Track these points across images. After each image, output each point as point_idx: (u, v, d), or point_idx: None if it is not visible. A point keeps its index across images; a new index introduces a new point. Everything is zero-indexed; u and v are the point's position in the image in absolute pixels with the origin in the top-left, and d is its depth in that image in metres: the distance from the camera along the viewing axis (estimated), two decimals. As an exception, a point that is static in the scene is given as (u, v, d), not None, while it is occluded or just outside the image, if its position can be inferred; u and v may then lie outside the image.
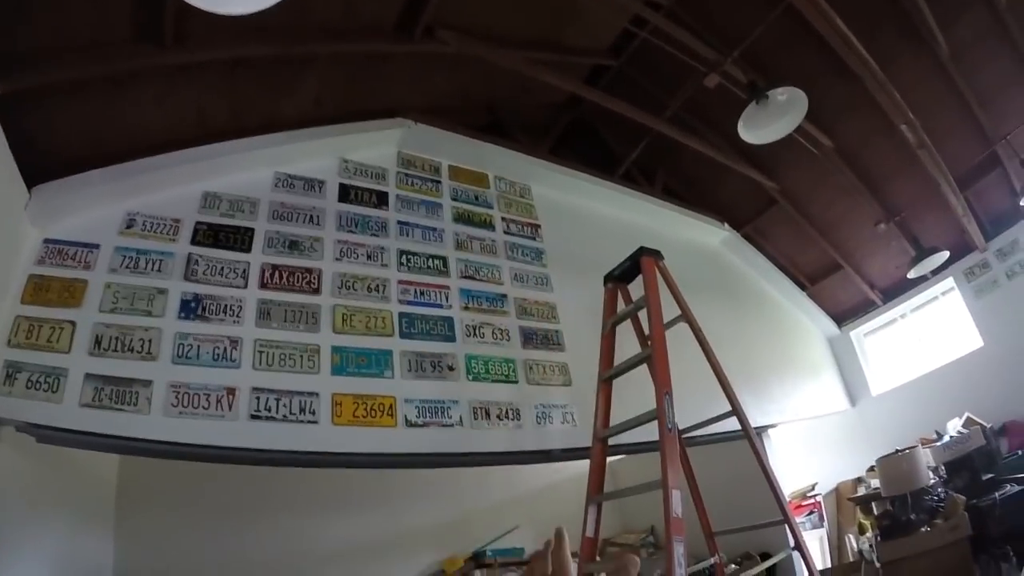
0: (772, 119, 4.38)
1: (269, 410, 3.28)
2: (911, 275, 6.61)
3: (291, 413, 3.32)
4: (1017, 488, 4.47)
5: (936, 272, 6.91)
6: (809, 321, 7.90)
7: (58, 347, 3.03)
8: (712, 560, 3.99)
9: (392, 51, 4.42)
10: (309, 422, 3.34)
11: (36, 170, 3.28)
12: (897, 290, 7.54)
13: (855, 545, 6.50)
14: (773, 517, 3.65)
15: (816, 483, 7.19)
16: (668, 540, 2.54)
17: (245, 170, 4.01)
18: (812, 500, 7.02)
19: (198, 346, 3.30)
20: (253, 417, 3.24)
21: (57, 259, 3.30)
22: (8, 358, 2.92)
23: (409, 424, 3.54)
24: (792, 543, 3.62)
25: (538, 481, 7.14)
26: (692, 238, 6.57)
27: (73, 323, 3.13)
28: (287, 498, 5.74)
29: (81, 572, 4.20)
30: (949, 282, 7.12)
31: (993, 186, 6.43)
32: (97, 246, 3.42)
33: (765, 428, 5.79)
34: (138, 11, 3.22)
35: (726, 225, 6.92)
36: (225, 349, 3.35)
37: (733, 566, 4.27)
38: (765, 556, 5.08)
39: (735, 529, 4.14)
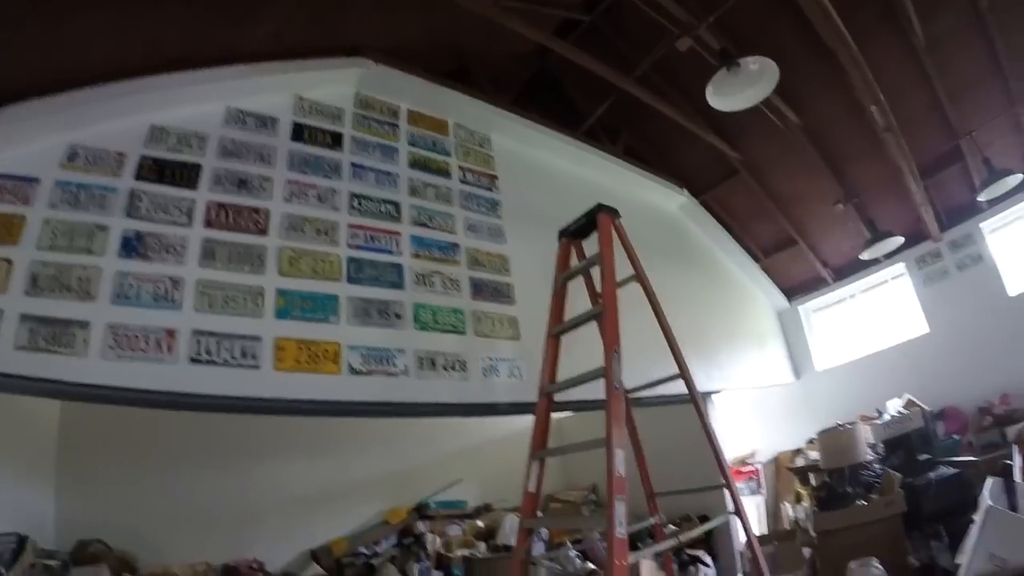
0: (742, 88, 4.33)
1: (210, 354, 3.18)
2: (864, 257, 6.74)
3: (232, 357, 3.22)
4: (951, 471, 4.62)
5: (889, 256, 7.11)
6: (760, 293, 8.03)
7: None
8: (652, 520, 4.05)
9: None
10: (251, 367, 3.25)
11: None
12: (849, 270, 7.70)
13: (791, 513, 6.71)
14: (714, 481, 3.70)
15: (756, 451, 7.39)
16: (609, 498, 2.53)
17: (196, 103, 3.83)
18: (751, 467, 7.20)
19: (138, 286, 3.19)
20: (193, 361, 3.15)
21: None
22: None
23: (353, 372, 3.47)
24: (732, 508, 3.66)
25: (483, 435, 7.19)
26: (651, 201, 6.57)
27: (9, 261, 2.98)
28: (232, 446, 5.68)
29: (20, 523, 4.08)
30: (900, 267, 7.31)
31: (953, 179, 6.56)
32: (37, 180, 3.25)
33: (710, 394, 5.88)
34: None
35: (686, 191, 6.92)
36: (166, 290, 3.24)
37: (672, 527, 4.34)
38: (704, 519, 5.19)
39: (676, 491, 4.18)
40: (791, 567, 4.82)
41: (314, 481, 6.02)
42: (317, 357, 3.41)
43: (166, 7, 3.58)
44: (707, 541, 5.78)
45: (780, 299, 8.21)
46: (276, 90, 4.16)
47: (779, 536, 5.99)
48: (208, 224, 3.50)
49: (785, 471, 7.17)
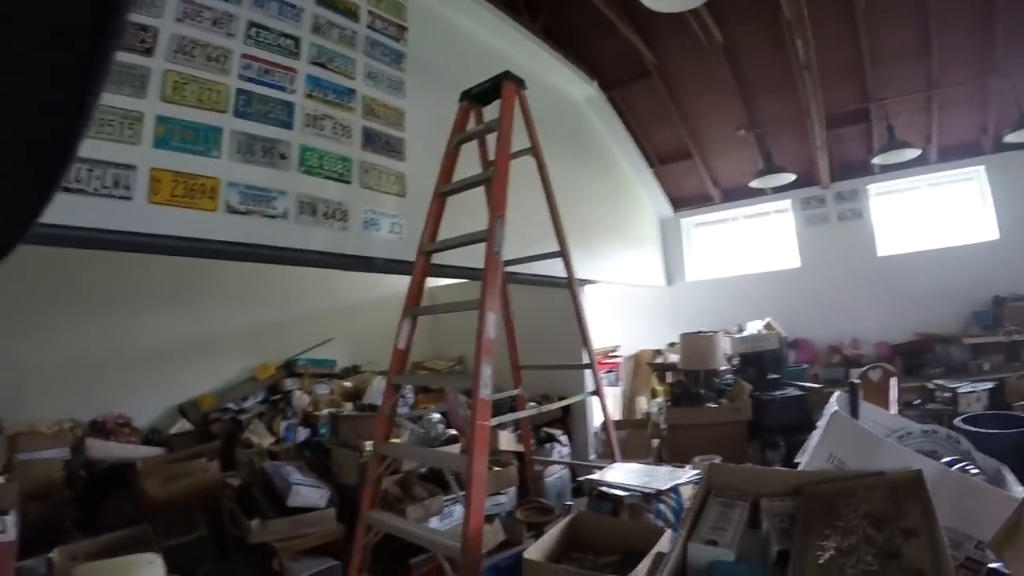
0: None
1: (79, 182, 2.95)
2: (753, 185, 7.07)
3: (104, 187, 3.00)
4: (795, 392, 5.17)
5: (777, 191, 7.55)
6: (647, 197, 8.32)
7: None
8: (516, 392, 4.28)
9: None
10: (123, 198, 3.04)
11: None
12: (736, 194, 8.10)
13: (645, 407, 7.26)
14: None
15: (620, 346, 7.84)
16: (477, 359, 2.63)
17: None
18: (613, 360, 7.66)
19: None
20: (62, 189, 2.91)
21: None
22: None
23: (231, 210, 3.33)
24: (592, 388, 3.95)
25: (357, 296, 7.23)
26: (559, 86, 6.55)
27: None
28: (98, 296, 5.37)
29: None
30: (786, 203, 7.83)
31: (854, 137, 6.98)
32: None
33: (585, 282, 6.13)
34: None
35: (595, 83, 6.93)
36: None
37: (532, 403, 4.60)
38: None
39: (542, 366, 4.44)
40: (639, 454, 5.23)
41: (183, 335, 5.85)
42: (194, 192, 3.24)
43: None
44: (564, 421, 6.17)
45: (666, 207, 8.55)
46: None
47: (633, 424, 6.49)
48: None
49: (644, 367, 7.70)
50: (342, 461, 4.19)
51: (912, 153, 6.02)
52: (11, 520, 3.16)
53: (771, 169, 6.72)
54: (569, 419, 6.23)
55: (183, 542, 3.68)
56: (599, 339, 7.29)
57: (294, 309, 6.70)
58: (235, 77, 3.48)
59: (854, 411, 2.17)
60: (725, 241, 8.51)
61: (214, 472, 4.43)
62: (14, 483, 3.65)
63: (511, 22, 5.48)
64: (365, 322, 7.04)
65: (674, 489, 2.52)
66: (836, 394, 2.27)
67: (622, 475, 2.72)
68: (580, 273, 5.51)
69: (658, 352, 7.68)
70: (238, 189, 3.36)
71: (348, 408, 5.82)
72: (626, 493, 2.50)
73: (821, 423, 1.99)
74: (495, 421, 2.77)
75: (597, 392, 3.90)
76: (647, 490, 2.48)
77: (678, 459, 3.89)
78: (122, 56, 3.20)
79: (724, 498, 1.77)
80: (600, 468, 2.97)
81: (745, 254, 8.22)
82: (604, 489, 2.58)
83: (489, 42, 5.42)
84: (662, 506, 2.46)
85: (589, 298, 6.23)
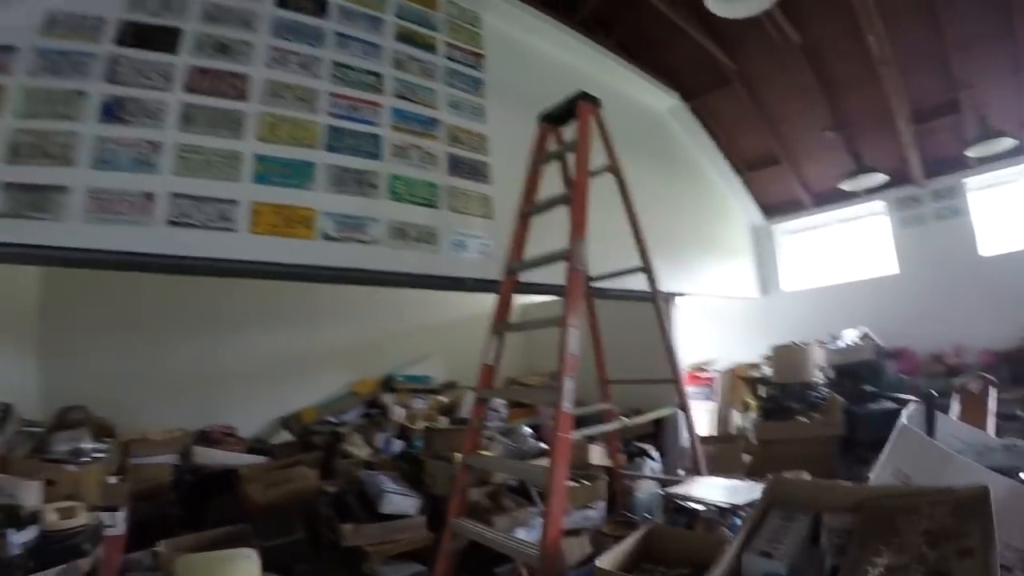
0: None
1: (187, 216, 3.27)
2: (845, 187, 6.79)
3: (210, 220, 3.31)
4: (891, 405, 4.84)
5: (870, 192, 7.17)
6: (738, 206, 8.13)
7: None
8: (604, 406, 4.28)
9: None
10: (227, 230, 3.35)
11: None
12: (828, 198, 7.77)
13: (738, 421, 7.06)
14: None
15: (714, 360, 7.66)
16: (561, 374, 2.68)
17: None
18: (708, 374, 7.49)
19: (118, 150, 3.22)
20: (171, 223, 3.23)
21: None
22: None
23: (327, 237, 3.58)
24: (678, 402, 3.91)
25: (452, 314, 7.42)
26: (639, 100, 6.55)
27: None
28: (206, 316, 5.86)
29: (4, 393, 4.17)
30: (880, 205, 7.42)
31: (946, 129, 6.53)
32: (14, 48, 3.22)
33: (674, 295, 6.05)
34: None
35: (676, 94, 6.89)
36: (146, 153, 3.28)
37: (623, 418, 4.58)
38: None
39: (627, 380, 4.41)
40: (729, 469, 5.10)
41: (286, 351, 6.24)
42: (292, 222, 3.51)
43: None
44: (656, 436, 6.08)
45: (756, 215, 8.32)
46: (262, -46, 4.04)
47: (723, 439, 6.32)
48: (188, 89, 3.49)
49: (737, 381, 7.48)
50: (434, 472, 4.34)
51: (1008, 143, 5.65)
52: (121, 516, 3.62)
53: (861, 170, 6.45)
54: (661, 434, 6.14)
55: (280, 543, 3.89)
56: (692, 353, 7.19)
57: (392, 327, 6.98)
58: (324, 115, 3.77)
59: (930, 424, 2.08)
60: (820, 248, 8.19)
61: (312, 479, 4.71)
62: (125, 484, 4.07)
63: (586, 40, 5.56)
64: (461, 338, 7.16)
65: (751, 504, 2.48)
66: (911, 407, 2.18)
67: (702, 489, 2.70)
68: (670, 286, 5.49)
69: (754, 365, 7.46)
70: (333, 218, 3.61)
71: (443, 422, 5.98)
72: (702, 507, 2.48)
73: (891, 436, 1.92)
74: (576, 434, 2.81)
75: (682, 406, 3.86)
76: (722, 504, 2.45)
77: (766, 473, 3.79)
78: (220, 102, 3.53)
79: (785, 511, 1.74)
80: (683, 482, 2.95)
81: (841, 261, 7.88)
82: (681, 503, 2.57)
83: (566, 61, 5.52)
84: (738, 520, 2.42)
85: (680, 311, 6.15)
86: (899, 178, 7.01)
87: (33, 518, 3.05)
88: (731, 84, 6.83)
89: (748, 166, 7.85)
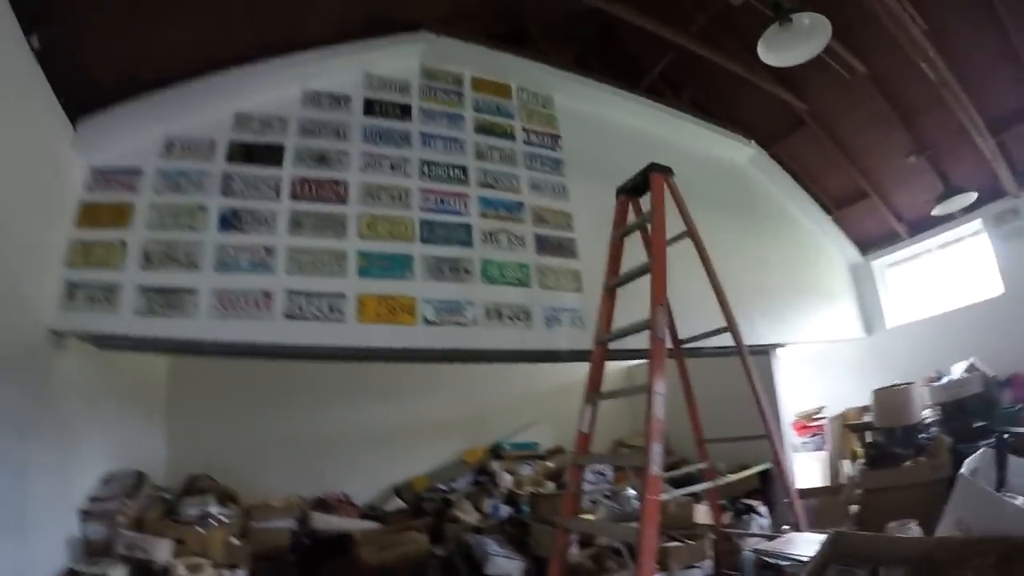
0: (794, 43, 4.30)
1: (301, 310, 3.66)
2: (936, 212, 6.49)
3: (321, 312, 3.69)
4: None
5: (965, 212, 6.76)
6: (832, 246, 7.89)
7: (112, 264, 3.49)
8: (702, 465, 4.25)
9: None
10: (336, 320, 3.71)
11: (78, 105, 3.61)
12: (924, 225, 7.37)
13: (848, 470, 6.71)
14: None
15: (824, 407, 7.37)
16: (648, 439, 2.75)
17: (274, 89, 4.26)
18: (817, 422, 7.19)
19: (237, 255, 3.69)
20: (288, 317, 3.63)
21: (104, 185, 3.71)
22: (68, 278, 3.40)
23: (427, 322, 3.89)
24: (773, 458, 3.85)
25: (557, 380, 7.48)
26: (717, 154, 6.58)
27: (124, 242, 3.56)
28: (323, 391, 6.29)
29: (137, 459, 4.67)
30: (977, 224, 6.94)
31: None
32: (140, 170, 3.79)
33: (774, 346, 5.95)
34: None
35: (753, 143, 6.89)
36: (261, 257, 3.72)
37: (732, 476, 4.52)
38: (763, 472, 5.29)
39: (723, 439, 4.33)
40: (833, 522, 4.88)
41: (398, 422, 6.57)
42: (395, 310, 3.84)
43: (232, 5, 3.97)
44: (764, 491, 5.89)
45: (853, 253, 8.05)
46: (346, 69, 4.53)
47: (827, 491, 6.01)
48: (294, 197, 3.95)
49: (846, 429, 7.15)
50: (539, 535, 4.48)
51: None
52: (242, 575, 3.96)
53: (951, 191, 6.16)
54: (769, 489, 5.95)
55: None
56: (800, 402, 6.96)
57: (499, 396, 7.21)
58: (417, 210, 4.15)
59: (1001, 467, 2.01)
60: (922, 278, 7.80)
61: (423, 543, 4.88)
62: (247, 546, 4.38)
63: (656, 104, 5.74)
64: (566, 404, 7.09)
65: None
66: (979, 453, 2.12)
67: (795, 545, 2.67)
68: (768, 338, 5.43)
69: (865, 409, 7.12)
70: (432, 304, 3.92)
71: (550, 487, 6.06)
72: (787, 562, 2.47)
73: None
74: (674, 494, 2.84)
75: (776, 461, 3.80)
76: (804, 559, 2.43)
77: (873, 526, 3.65)
78: (323, 207, 3.95)
79: (844, 566, 1.73)
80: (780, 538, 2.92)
81: (945, 288, 7.46)
82: (767, 559, 2.56)
83: (640, 127, 5.69)
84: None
85: (782, 360, 6.03)
86: (992, 192, 6.59)
87: (164, 573, 3.46)
88: (806, 125, 6.78)
89: (837, 204, 7.68)
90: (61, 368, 3.53)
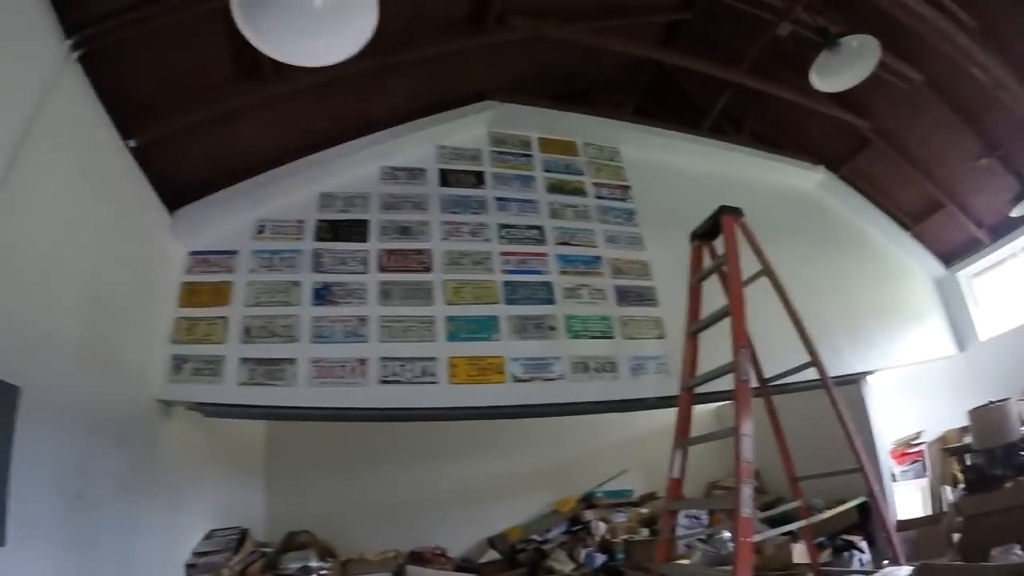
0: (845, 66, 4.34)
1: (395, 375, 3.88)
2: (1015, 213, 6.27)
3: (415, 376, 3.90)
4: None
5: None
6: (913, 262, 7.63)
7: (215, 339, 3.83)
8: (795, 504, 4.17)
9: (469, 46, 4.71)
10: (430, 383, 3.91)
11: (175, 198, 4.01)
12: (1005, 228, 7.05)
13: (949, 497, 6.39)
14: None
15: (922, 431, 7.05)
16: (737, 482, 2.80)
17: (354, 169, 4.59)
18: (916, 448, 6.90)
19: (331, 326, 3.96)
20: (383, 382, 3.85)
21: (203, 267, 4.08)
22: (174, 352, 3.75)
23: (516, 380, 4.04)
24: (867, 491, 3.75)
25: (648, 426, 7.39)
26: (786, 183, 6.54)
27: (225, 318, 3.90)
28: (411, 448, 6.46)
29: (239, 515, 5.03)
30: None
31: None
32: (235, 252, 4.15)
33: (864, 375, 5.80)
34: (240, 55, 3.66)
35: (821, 168, 6.81)
36: (355, 327, 3.98)
37: (825, 512, 4.41)
38: (862, 506, 5.06)
39: (814, 475, 4.21)
40: (934, 553, 4.68)
41: (490, 475, 6.69)
42: (485, 370, 4.01)
43: (307, 99, 4.27)
44: (864, 526, 5.68)
45: (936, 266, 7.75)
46: (419, 144, 4.84)
47: (925, 521, 5.73)
48: (382, 269, 4.22)
49: (944, 453, 6.82)
50: (631, 583, 4.44)
51: None
52: None
53: None
54: (868, 523, 5.72)
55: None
56: (897, 428, 6.70)
57: (590, 445, 7.21)
58: (499, 272, 4.36)
59: None
60: (1011, 283, 7.46)
61: None
62: None
63: (719, 143, 5.82)
64: (657, 449, 7.01)
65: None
66: None
67: None
68: (856, 367, 5.32)
69: (965, 430, 6.80)
70: (520, 362, 4.08)
71: (644, 534, 6.02)
72: None
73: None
74: (759, 536, 2.84)
75: (870, 494, 3.71)
76: None
77: (977, 554, 3.50)
78: (410, 277, 4.20)
79: None
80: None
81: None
82: None
83: (706, 168, 5.74)
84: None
85: (873, 388, 5.86)
86: (1071, 183, 6.36)
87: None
88: (871, 142, 6.65)
89: (913, 218, 7.45)
90: (168, 434, 3.89)
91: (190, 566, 4.09)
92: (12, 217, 2.33)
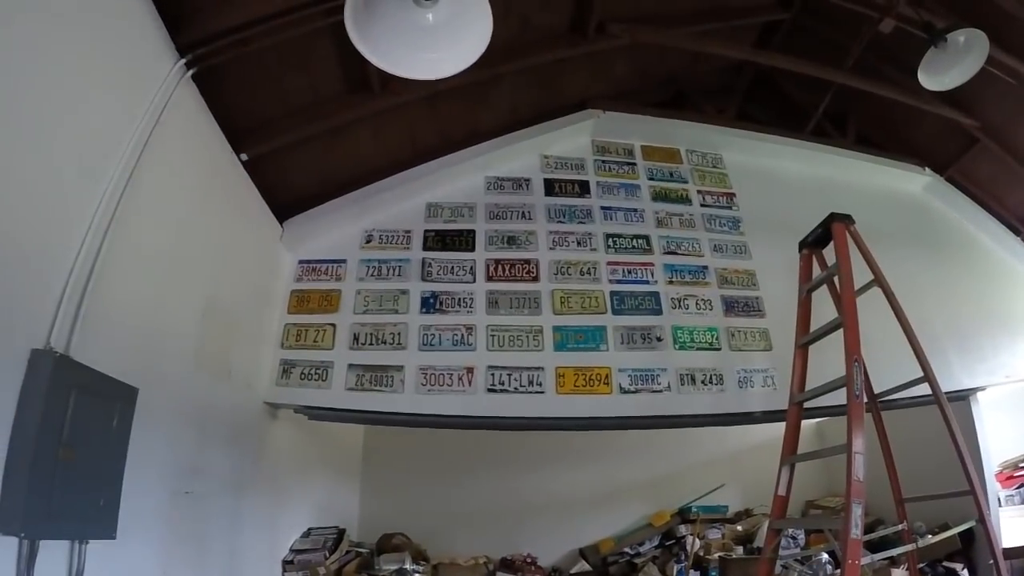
0: (953, 63, 4.13)
1: (502, 384, 3.96)
2: None
3: (521, 385, 3.97)
4: None
5: None
6: (1025, 269, 7.26)
7: (323, 345, 4.00)
8: (900, 527, 4.01)
9: (571, 54, 4.72)
10: (537, 392, 3.97)
11: (285, 208, 4.23)
12: None
13: None
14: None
15: (1035, 453, 6.66)
16: (848, 501, 2.72)
17: (459, 179, 4.70)
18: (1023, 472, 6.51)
19: (439, 334, 4.07)
20: (490, 390, 3.94)
21: (312, 275, 4.27)
22: (284, 357, 3.95)
23: (623, 391, 4.05)
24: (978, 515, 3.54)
25: (744, 441, 7.26)
26: (891, 186, 6.28)
27: (333, 325, 4.07)
28: (505, 455, 6.53)
29: (335, 515, 5.26)
30: None
31: None
32: (344, 261, 4.32)
33: (973, 391, 5.52)
34: (348, 70, 3.85)
35: (927, 169, 6.52)
36: (462, 335, 4.08)
37: (929, 536, 4.22)
38: (966, 530, 4.87)
39: (923, 497, 4.00)
40: None
41: (584, 486, 6.66)
42: (592, 380, 4.03)
43: (414, 112, 4.42)
44: (966, 553, 5.41)
45: (1050, 273, 7.36)
46: (523, 154, 4.91)
47: None
48: (489, 278, 4.31)
49: None
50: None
51: None
52: None
53: None
54: (971, 550, 5.43)
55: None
56: (1006, 449, 6.36)
57: (688, 458, 7.14)
58: (606, 282, 4.37)
59: None
60: None
61: None
62: None
63: (822, 147, 5.66)
64: (755, 466, 6.87)
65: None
66: None
67: None
68: (965, 382, 5.08)
69: (1085, 450, 6.38)
70: (626, 373, 4.09)
71: (739, 551, 5.92)
72: None
73: None
74: (867, 559, 2.76)
75: (980, 519, 3.52)
76: None
77: None
78: (517, 286, 4.28)
79: None
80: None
81: None
82: None
83: (810, 172, 5.62)
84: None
85: (982, 405, 5.57)
86: None
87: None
88: (979, 142, 6.32)
89: (1024, 221, 7.10)
90: (274, 435, 4.11)
91: (287, 562, 4.30)
92: (133, 226, 2.47)
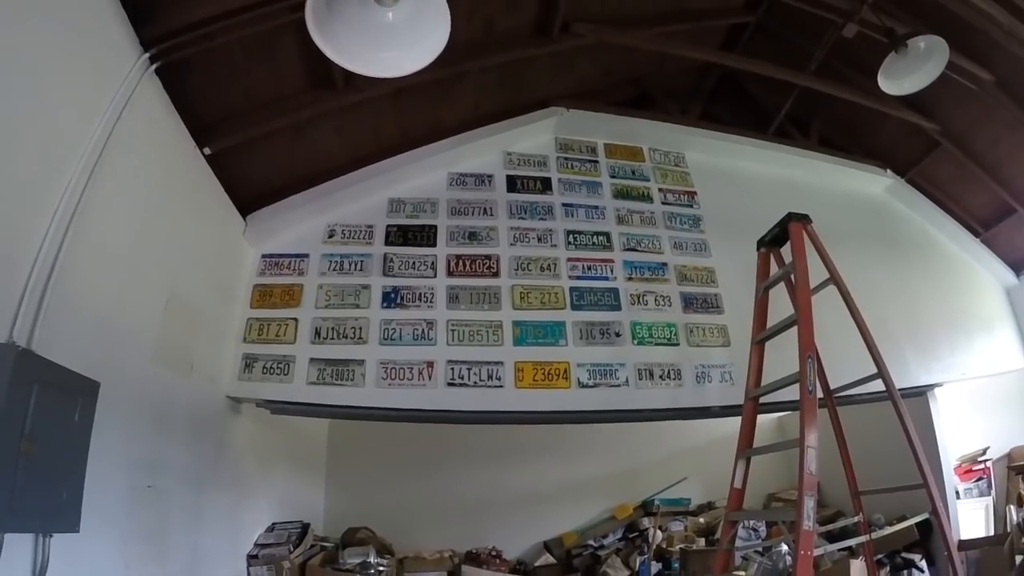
0: (914, 67, 4.22)
1: (462, 378, 3.97)
2: None
3: (481, 380, 3.99)
4: None
5: None
6: (984, 270, 7.37)
7: (285, 339, 3.99)
8: (856, 519, 4.10)
9: (536, 53, 4.75)
10: (496, 386, 3.99)
11: (248, 203, 4.21)
12: None
13: (1015, 517, 6.16)
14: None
15: (988, 447, 6.82)
16: (800, 494, 2.78)
17: (422, 175, 4.70)
18: (982, 466, 6.67)
19: (400, 329, 4.07)
20: (449, 384, 3.95)
21: (274, 270, 4.26)
22: (246, 352, 3.94)
23: (581, 385, 4.09)
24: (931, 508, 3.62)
25: (708, 435, 7.34)
26: (853, 188, 6.38)
27: (296, 319, 4.06)
28: (469, 450, 6.58)
29: (300, 510, 5.23)
30: None
31: None
32: (307, 255, 4.31)
33: (931, 387, 5.63)
34: (311, 66, 3.82)
35: (889, 172, 6.63)
36: (423, 330, 4.09)
37: (887, 528, 4.33)
38: (923, 523, 4.98)
39: (877, 490, 4.12)
40: (997, 574, 4.55)
41: (548, 480, 6.74)
42: (551, 375, 4.06)
43: (377, 108, 4.40)
44: (924, 544, 5.53)
45: (1007, 275, 7.48)
46: (486, 150, 4.92)
47: (988, 541, 5.54)
48: (450, 273, 4.31)
49: (1010, 471, 6.56)
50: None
51: None
52: None
53: None
54: (929, 541, 5.55)
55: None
56: (962, 444, 6.49)
57: (648, 452, 7.20)
58: (565, 278, 4.41)
59: None
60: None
61: None
62: None
63: (785, 148, 5.73)
64: (717, 459, 6.91)
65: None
66: None
67: None
68: (922, 379, 5.19)
69: (1034, 446, 6.55)
70: (585, 368, 4.13)
71: (701, 543, 6.00)
72: None
73: None
74: (819, 550, 2.82)
75: (935, 512, 3.61)
76: None
77: None
78: (478, 281, 4.29)
79: None
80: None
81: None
82: None
83: (772, 172, 5.69)
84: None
85: (940, 401, 5.70)
86: None
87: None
88: (940, 145, 6.43)
89: (984, 224, 7.19)
90: (237, 430, 4.10)
91: (251, 556, 4.30)
92: (96, 220, 2.47)
